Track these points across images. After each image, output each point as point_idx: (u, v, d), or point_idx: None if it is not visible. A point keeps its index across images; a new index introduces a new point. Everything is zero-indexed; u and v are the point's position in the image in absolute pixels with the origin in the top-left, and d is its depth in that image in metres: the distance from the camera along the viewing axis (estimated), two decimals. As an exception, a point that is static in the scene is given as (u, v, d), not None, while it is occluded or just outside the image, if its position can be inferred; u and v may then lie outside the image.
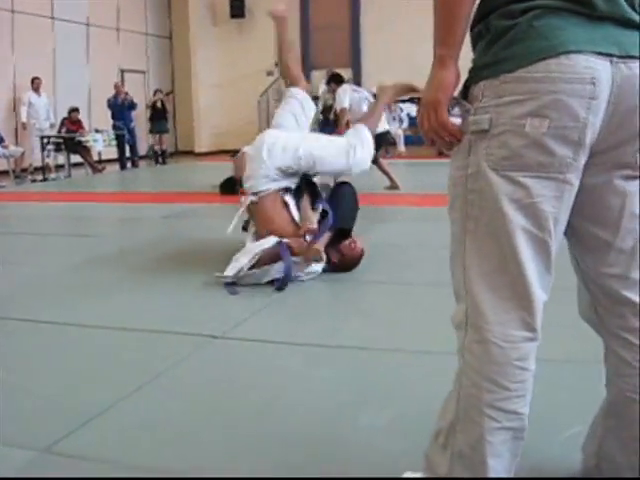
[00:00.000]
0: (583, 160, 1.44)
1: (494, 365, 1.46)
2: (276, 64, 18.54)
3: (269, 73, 18.62)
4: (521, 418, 1.50)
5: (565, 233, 1.53)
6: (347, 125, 9.03)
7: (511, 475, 1.53)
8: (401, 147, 15.81)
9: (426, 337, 3.07)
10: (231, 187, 7.35)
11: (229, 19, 18.93)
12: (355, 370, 2.75)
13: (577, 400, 2.38)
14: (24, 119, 13.46)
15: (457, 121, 1.49)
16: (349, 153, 4.36)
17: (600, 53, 1.39)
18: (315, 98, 10.80)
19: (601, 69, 1.39)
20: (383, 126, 8.92)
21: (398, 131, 15.92)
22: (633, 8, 1.46)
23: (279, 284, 3.91)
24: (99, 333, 3.27)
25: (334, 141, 4.64)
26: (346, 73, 17.38)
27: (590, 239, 1.56)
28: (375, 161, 9.02)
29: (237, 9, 18.79)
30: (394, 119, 16.03)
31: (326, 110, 12.77)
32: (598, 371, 2.60)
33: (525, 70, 1.40)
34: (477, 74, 1.48)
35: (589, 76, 1.38)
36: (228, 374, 2.73)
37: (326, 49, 18.21)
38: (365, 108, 8.71)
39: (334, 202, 4.46)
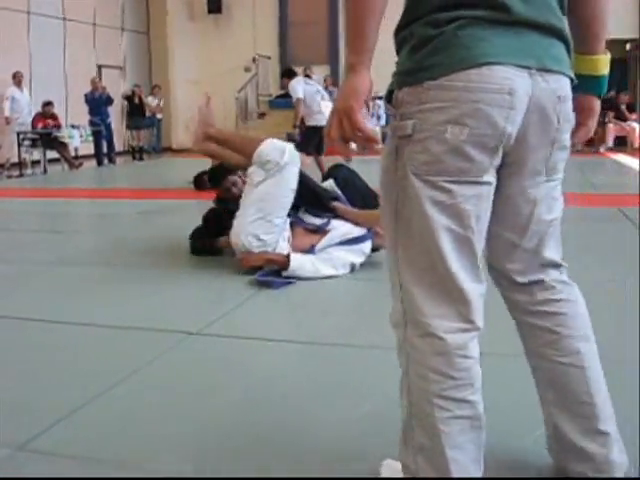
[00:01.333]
0: (498, 161, 1.51)
1: (437, 356, 1.50)
2: (254, 60, 18.58)
3: (247, 69, 18.60)
4: (473, 406, 1.52)
5: None
6: (302, 121, 9.17)
7: (481, 466, 1.56)
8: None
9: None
10: (203, 183, 7.36)
11: (206, 14, 18.89)
12: (330, 366, 2.76)
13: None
14: (7, 113, 13.35)
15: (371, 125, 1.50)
16: None
17: (519, 65, 1.46)
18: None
19: (519, 81, 1.46)
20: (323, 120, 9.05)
21: (376, 128, 15.95)
22: (559, 9, 1.54)
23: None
24: (73, 329, 3.26)
25: None
26: (324, 70, 17.45)
27: (500, 241, 1.66)
28: (319, 153, 9.18)
29: (214, 4, 18.76)
30: (372, 116, 16.09)
31: None
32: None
33: (447, 78, 1.44)
34: (401, 80, 1.52)
35: (507, 87, 1.44)
36: (204, 371, 2.73)
37: (304, 45, 18.20)
38: (318, 100, 8.84)
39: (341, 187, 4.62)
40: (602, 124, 15.00)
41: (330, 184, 4.69)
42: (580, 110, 1.73)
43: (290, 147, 4.34)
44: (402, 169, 1.50)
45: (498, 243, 1.67)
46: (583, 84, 1.67)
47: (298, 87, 8.96)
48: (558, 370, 1.70)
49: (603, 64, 1.74)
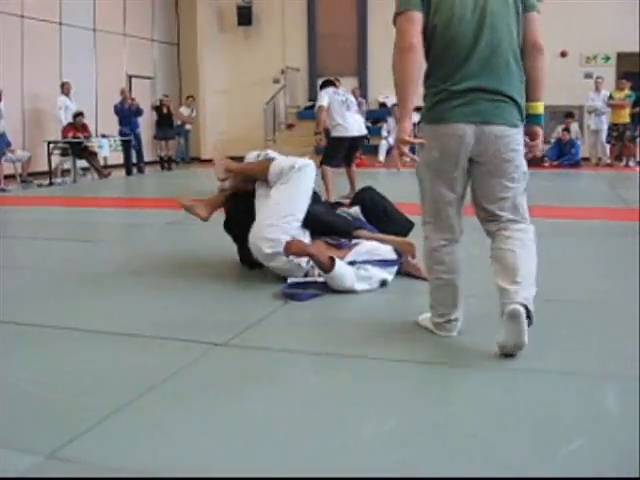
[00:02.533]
0: (463, 162, 3.03)
1: (433, 251, 3.15)
2: (283, 71, 18.66)
3: (275, 80, 18.68)
4: (443, 274, 3.15)
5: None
6: (326, 131, 9.11)
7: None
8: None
9: (428, 348, 3.09)
10: None
11: (236, 26, 18.98)
12: (355, 379, 2.76)
13: (577, 414, 2.39)
14: (64, 122, 13.65)
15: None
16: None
17: (469, 122, 2.95)
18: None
19: (468, 130, 2.96)
20: (360, 130, 8.99)
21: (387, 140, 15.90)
22: (513, 78, 3.01)
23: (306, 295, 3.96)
24: (102, 338, 3.29)
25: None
26: (352, 82, 17.48)
27: (481, 201, 3.14)
28: (348, 165, 9.12)
29: (244, 16, 18.84)
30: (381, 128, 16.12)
31: None
32: (599, 385, 2.61)
33: (433, 126, 3.04)
34: (422, 119, 3.10)
35: (462, 133, 2.96)
36: (230, 382, 2.74)
37: (333, 57, 18.24)
38: (343, 111, 8.74)
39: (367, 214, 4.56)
40: (632, 139, 14.86)
41: (356, 211, 4.62)
42: (530, 134, 3.15)
43: (301, 160, 4.35)
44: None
45: (481, 201, 3.13)
46: (530, 119, 3.10)
47: (324, 96, 8.91)
48: (501, 253, 3.04)
49: (540, 107, 3.14)
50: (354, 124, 8.81)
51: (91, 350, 3.14)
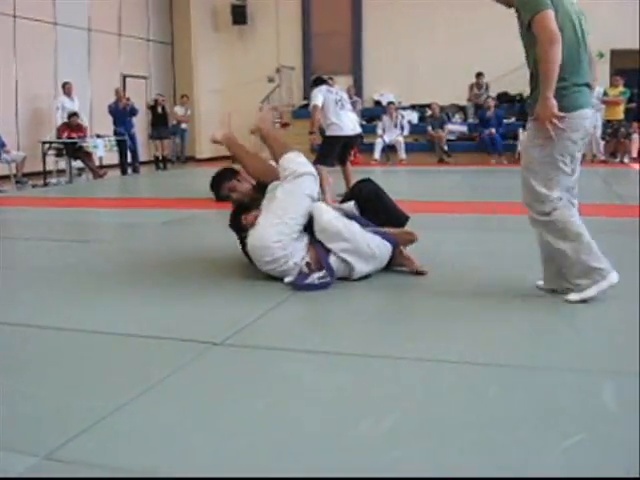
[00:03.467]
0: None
1: (571, 217, 3.68)
2: (277, 70, 18.65)
3: (270, 79, 18.66)
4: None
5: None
6: (320, 130, 9.10)
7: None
8: (402, 154, 15.82)
9: (427, 345, 3.09)
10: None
11: (231, 25, 18.98)
12: (357, 377, 2.75)
13: (579, 408, 2.38)
14: (59, 123, 13.62)
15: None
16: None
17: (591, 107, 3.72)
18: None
19: (591, 114, 3.69)
20: (354, 128, 8.98)
21: (399, 138, 15.97)
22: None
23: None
24: (98, 339, 3.28)
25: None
26: (347, 80, 17.48)
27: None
28: (343, 163, 9.10)
29: (239, 15, 18.84)
30: (395, 126, 16.09)
31: None
32: (601, 381, 2.61)
33: (573, 113, 3.59)
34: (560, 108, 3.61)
35: (590, 116, 3.69)
36: (228, 382, 2.73)
37: (327, 56, 18.24)
38: (337, 110, 8.73)
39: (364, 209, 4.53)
40: (627, 135, 14.90)
41: (350, 206, 4.55)
42: None
43: (305, 168, 4.35)
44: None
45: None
46: None
47: (317, 95, 8.90)
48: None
49: None
50: (348, 123, 8.80)
51: (88, 350, 3.13)
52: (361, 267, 4.16)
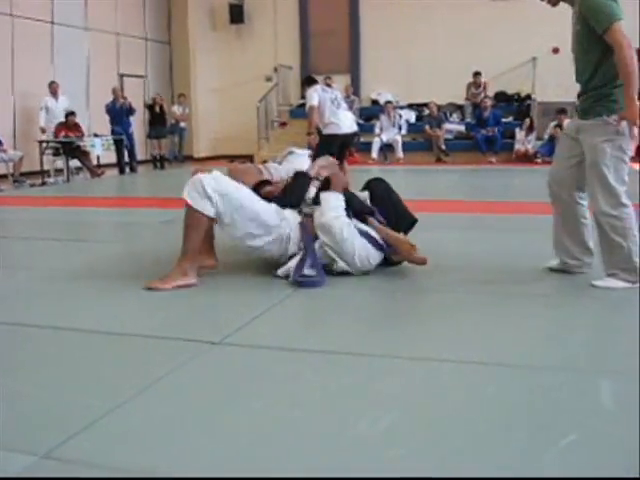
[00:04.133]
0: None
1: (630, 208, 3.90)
2: (275, 69, 18.65)
3: (268, 79, 18.67)
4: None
5: None
6: (317, 129, 9.09)
7: None
8: (399, 153, 15.83)
9: (426, 344, 3.08)
10: None
11: (228, 24, 18.98)
12: (356, 377, 2.74)
13: (578, 408, 2.38)
14: (42, 124, 13.51)
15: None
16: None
17: None
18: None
19: None
20: (351, 126, 8.99)
21: (397, 137, 15.97)
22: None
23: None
24: (96, 338, 3.27)
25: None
26: (345, 79, 17.50)
27: None
28: (340, 162, 9.10)
29: (236, 15, 18.84)
30: (393, 125, 16.09)
31: None
32: (601, 380, 2.60)
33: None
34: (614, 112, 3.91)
35: None
36: (227, 381, 2.72)
37: (325, 55, 18.25)
38: (334, 109, 8.73)
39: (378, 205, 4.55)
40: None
41: (365, 197, 4.59)
42: None
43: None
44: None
45: None
46: None
47: (313, 95, 8.91)
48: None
49: None
50: (345, 121, 8.83)
51: (86, 349, 3.12)
52: (343, 265, 4.22)
